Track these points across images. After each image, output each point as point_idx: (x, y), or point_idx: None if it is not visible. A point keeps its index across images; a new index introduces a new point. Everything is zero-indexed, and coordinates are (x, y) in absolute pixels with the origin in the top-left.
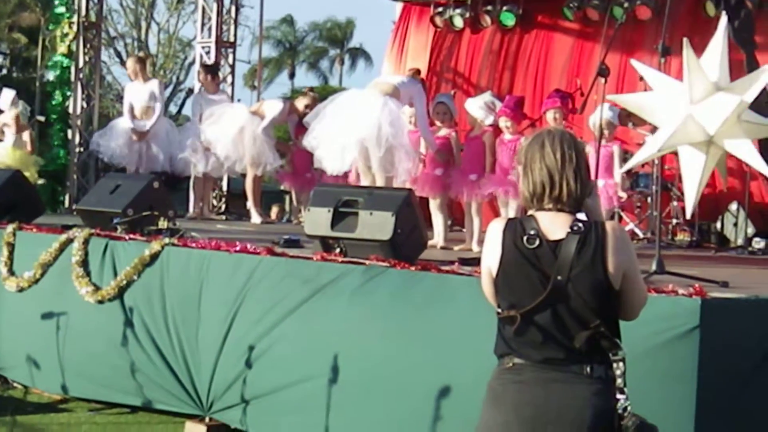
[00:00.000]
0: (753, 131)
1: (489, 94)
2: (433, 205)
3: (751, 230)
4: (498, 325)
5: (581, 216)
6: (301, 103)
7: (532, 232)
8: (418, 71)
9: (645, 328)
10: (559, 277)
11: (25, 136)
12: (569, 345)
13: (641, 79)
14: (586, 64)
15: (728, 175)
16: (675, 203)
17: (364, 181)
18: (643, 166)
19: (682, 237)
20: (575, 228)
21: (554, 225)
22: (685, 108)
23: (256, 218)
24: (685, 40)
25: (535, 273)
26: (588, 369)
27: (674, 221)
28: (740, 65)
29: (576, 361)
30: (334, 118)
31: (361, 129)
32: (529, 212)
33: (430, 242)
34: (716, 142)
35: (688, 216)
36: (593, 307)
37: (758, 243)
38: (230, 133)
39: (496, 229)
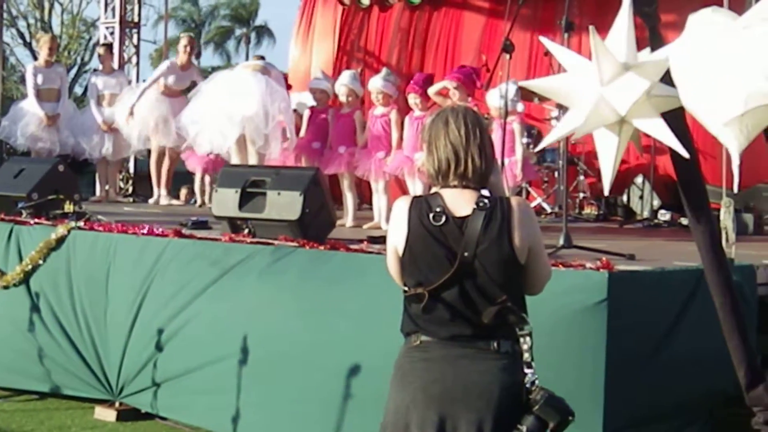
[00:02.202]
0: (662, 104)
1: (386, 69)
2: (344, 184)
3: (656, 203)
4: (404, 303)
5: (486, 192)
6: None
7: (438, 209)
8: (261, 57)
9: (553, 302)
10: (466, 254)
11: None
12: (477, 321)
13: (546, 54)
14: (496, 40)
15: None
16: (582, 177)
17: (235, 159)
18: None
19: (589, 211)
20: (481, 204)
21: (460, 202)
22: (596, 89)
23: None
24: (591, 28)
25: (441, 250)
26: (495, 344)
27: (581, 195)
28: (645, 42)
29: (483, 336)
30: (212, 97)
31: (248, 108)
32: (434, 189)
33: (339, 221)
34: (628, 121)
35: (606, 193)
36: (500, 282)
37: (664, 215)
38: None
39: (401, 208)
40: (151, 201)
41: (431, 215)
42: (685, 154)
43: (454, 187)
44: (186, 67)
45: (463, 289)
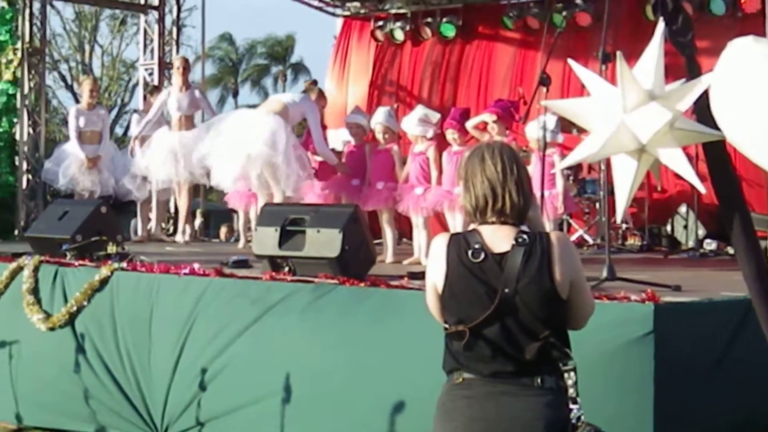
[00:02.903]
0: (685, 138)
1: (420, 108)
2: (383, 220)
3: (701, 232)
4: (445, 341)
5: (525, 228)
6: None
7: (476, 246)
8: (314, 82)
9: (598, 336)
10: (506, 290)
11: None
12: (519, 357)
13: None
14: (529, 72)
15: (676, 178)
16: None
17: (260, 198)
18: (589, 171)
19: (633, 241)
20: (520, 240)
21: (498, 238)
22: (619, 116)
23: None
24: (619, 53)
25: (481, 287)
26: (539, 380)
27: (624, 226)
28: (681, 69)
29: (526, 373)
30: (224, 136)
31: (249, 146)
32: (472, 226)
33: (378, 257)
34: (648, 151)
35: (619, 221)
36: (542, 318)
37: (709, 245)
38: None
39: (440, 245)
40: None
41: (470, 252)
42: (702, 189)
43: (492, 223)
44: (186, 89)
45: (505, 325)
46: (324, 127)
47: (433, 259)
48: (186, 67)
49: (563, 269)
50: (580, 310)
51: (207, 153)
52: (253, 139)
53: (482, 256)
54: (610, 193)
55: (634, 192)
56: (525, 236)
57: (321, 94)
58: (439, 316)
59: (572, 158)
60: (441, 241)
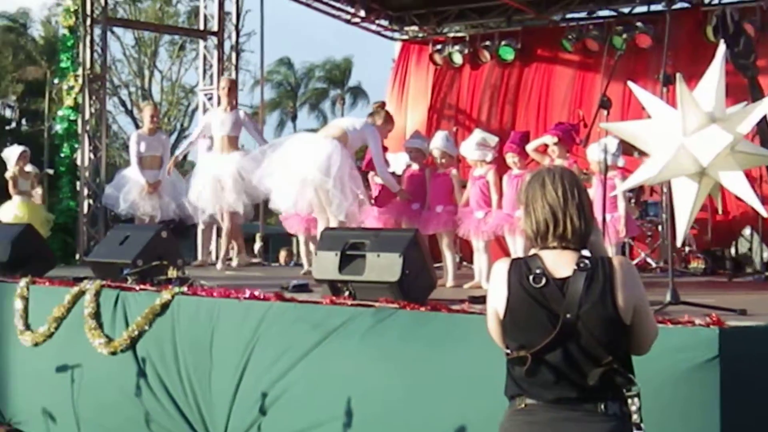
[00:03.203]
0: (746, 161)
1: (478, 132)
2: (443, 244)
3: (766, 254)
4: (507, 366)
5: (586, 253)
6: None
7: (537, 271)
8: (382, 104)
9: (662, 361)
10: (568, 315)
11: (37, 192)
12: (582, 383)
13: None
14: (588, 95)
15: (739, 199)
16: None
17: (320, 222)
18: (651, 194)
19: (696, 265)
20: (582, 265)
21: (560, 263)
22: (679, 138)
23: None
24: (679, 76)
25: (543, 312)
26: (602, 406)
27: (687, 249)
28: (744, 89)
29: (589, 399)
30: (282, 159)
31: (307, 171)
32: (533, 251)
33: (439, 281)
34: (709, 174)
35: (678, 244)
36: (604, 343)
37: None
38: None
39: (501, 270)
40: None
41: (531, 277)
42: (764, 213)
43: (554, 248)
44: (230, 109)
45: (567, 351)
46: (385, 149)
47: (495, 285)
48: (231, 88)
49: (626, 295)
50: (644, 335)
51: (265, 176)
52: (309, 164)
53: (544, 281)
54: (673, 216)
55: (695, 215)
56: (587, 261)
57: (388, 118)
58: (500, 341)
59: (632, 181)
60: (502, 266)
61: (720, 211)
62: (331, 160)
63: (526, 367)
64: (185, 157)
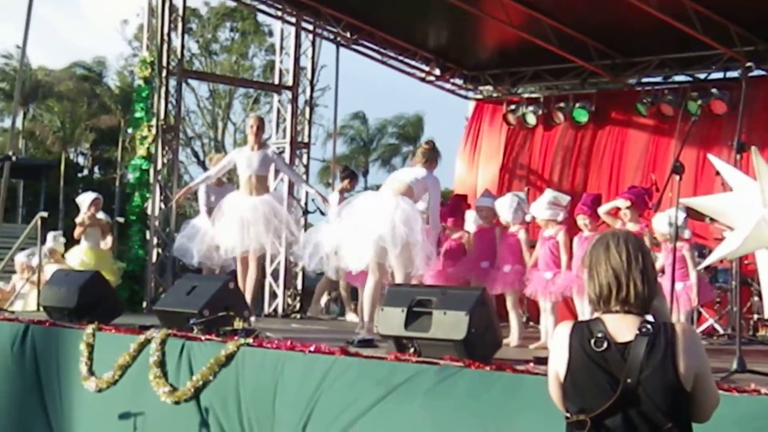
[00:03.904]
0: None
1: (549, 191)
2: (509, 303)
3: None
4: (566, 430)
5: (649, 317)
6: None
7: (599, 335)
8: (432, 146)
9: (727, 430)
10: (629, 380)
11: (107, 240)
12: None
13: (717, 174)
14: (661, 159)
15: None
16: (756, 298)
17: (371, 278)
18: (721, 261)
19: (764, 333)
20: (644, 330)
21: (622, 327)
22: (759, 211)
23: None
24: (753, 148)
25: (604, 376)
26: None
27: (755, 316)
28: None
29: None
30: (352, 218)
31: (377, 229)
32: (596, 314)
33: (504, 340)
34: None
35: (766, 316)
36: (664, 410)
37: None
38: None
39: (562, 333)
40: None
41: (593, 341)
42: None
43: (617, 312)
44: (258, 148)
45: (627, 416)
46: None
47: (556, 347)
48: (260, 127)
49: (688, 362)
50: (705, 402)
51: (338, 243)
52: (388, 223)
53: (605, 345)
54: (742, 282)
55: None
56: (649, 326)
57: (438, 156)
58: (560, 404)
59: (715, 255)
60: (564, 330)
61: None
62: (396, 223)
63: (587, 428)
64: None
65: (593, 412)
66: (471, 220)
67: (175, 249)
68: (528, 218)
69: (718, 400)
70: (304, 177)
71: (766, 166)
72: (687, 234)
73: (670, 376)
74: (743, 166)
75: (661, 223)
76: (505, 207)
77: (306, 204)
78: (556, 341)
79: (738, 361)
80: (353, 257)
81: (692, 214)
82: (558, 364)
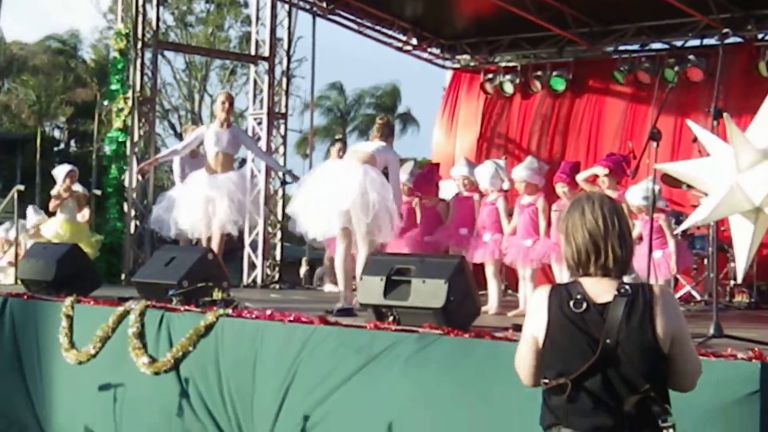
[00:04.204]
0: None
1: (529, 158)
2: (488, 271)
3: None
4: (543, 396)
5: (627, 279)
6: None
7: (578, 297)
8: (386, 120)
9: (703, 394)
10: (608, 341)
11: (85, 212)
12: (619, 411)
13: (695, 140)
14: (639, 127)
15: None
16: (732, 264)
17: (340, 246)
18: (698, 227)
19: (741, 298)
20: (622, 291)
21: (600, 289)
22: (732, 176)
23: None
24: (726, 115)
25: (583, 337)
26: None
27: (732, 283)
28: None
29: (625, 429)
30: (317, 187)
31: (347, 198)
32: (574, 278)
33: (483, 308)
34: (764, 210)
35: (739, 281)
36: (643, 370)
37: None
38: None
39: (541, 296)
40: None
41: (571, 302)
42: None
43: (595, 275)
44: (227, 126)
45: (606, 377)
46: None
47: (534, 310)
48: (231, 104)
49: (666, 323)
50: (686, 368)
51: (299, 206)
52: (357, 191)
53: (584, 306)
54: (719, 249)
55: (753, 252)
56: (627, 287)
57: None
58: (530, 372)
59: (689, 221)
60: (542, 293)
61: None
62: (367, 189)
63: (566, 394)
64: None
65: (573, 374)
66: (449, 188)
67: (152, 221)
68: (506, 186)
69: (700, 367)
70: (281, 150)
71: (739, 132)
72: (662, 204)
73: (648, 336)
74: (720, 133)
75: (635, 196)
76: (484, 174)
77: (284, 175)
78: (534, 304)
79: (715, 326)
80: (320, 225)
81: (669, 181)
82: (536, 328)
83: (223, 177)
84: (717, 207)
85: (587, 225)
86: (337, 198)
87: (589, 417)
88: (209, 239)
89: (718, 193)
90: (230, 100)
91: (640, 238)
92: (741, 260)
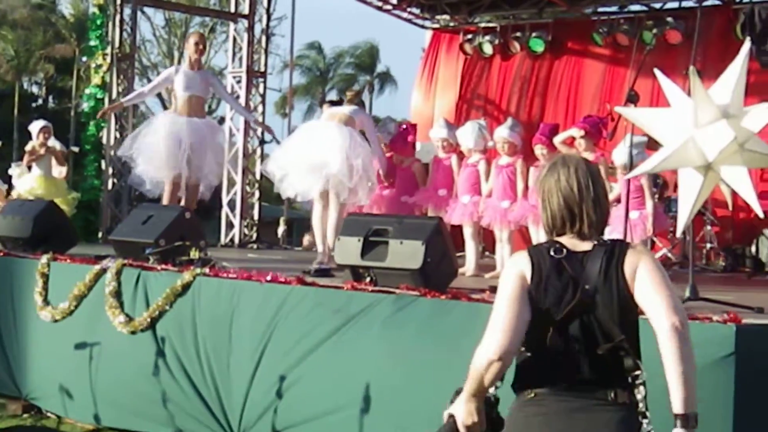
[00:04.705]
0: (755, 160)
1: (510, 120)
2: (466, 233)
3: None
4: (517, 358)
5: (603, 238)
6: None
7: (557, 246)
8: (357, 93)
9: None
10: (587, 286)
11: (62, 169)
12: (595, 363)
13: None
14: (618, 89)
15: (761, 197)
16: (709, 228)
17: (317, 206)
18: (675, 190)
19: (717, 262)
20: (601, 242)
21: (577, 244)
22: (689, 130)
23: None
24: (692, 68)
25: (564, 279)
26: (612, 395)
27: (708, 246)
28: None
29: (600, 385)
30: (299, 148)
31: (333, 163)
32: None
33: (461, 269)
34: (714, 168)
35: (678, 235)
36: (617, 320)
37: None
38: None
39: (520, 254)
40: None
41: (552, 250)
42: (761, 214)
43: (571, 237)
44: (198, 68)
45: (584, 324)
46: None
47: (515, 262)
48: (204, 45)
49: (630, 261)
50: (657, 297)
51: (278, 165)
52: (342, 156)
53: (564, 252)
54: (697, 213)
55: (697, 207)
56: (606, 239)
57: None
58: (507, 329)
59: (641, 169)
60: (520, 253)
61: (730, 207)
62: (352, 155)
63: (549, 335)
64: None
65: (554, 318)
66: (427, 149)
67: (130, 179)
68: (490, 144)
69: (679, 302)
70: (260, 109)
71: (701, 88)
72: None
73: (621, 283)
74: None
75: (622, 154)
76: (467, 134)
77: (262, 134)
78: (516, 263)
79: (691, 289)
80: (303, 186)
81: (649, 144)
82: (522, 269)
83: (199, 121)
84: (669, 157)
85: (562, 191)
86: (321, 160)
87: (564, 368)
88: (176, 187)
89: (672, 145)
90: (204, 42)
91: (618, 201)
92: (683, 214)
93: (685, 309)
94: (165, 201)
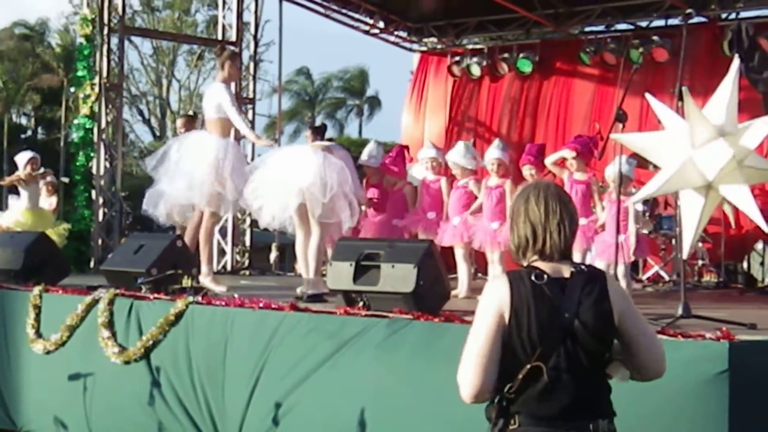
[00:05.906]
0: (754, 177)
1: (497, 141)
2: (458, 255)
3: None
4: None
5: (577, 262)
6: None
7: (537, 272)
8: (331, 139)
9: (672, 373)
10: (566, 314)
11: (52, 200)
12: (577, 392)
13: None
14: (607, 108)
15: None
16: (700, 244)
17: (299, 233)
18: (666, 207)
19: (709, 278)
20: (578, 269)
21: (556, 269)
22: (687, 151)
23: None
24: (684, 88)
25: (545, 306)
26: (592, 426)
27: (700, 262)
28: (758, 104)
29: (581, 416)
30: (273, 171)
31: (305, 178)
32: (524, 263)
33: (453, 291)
34: (715, 187)
35: (684, 257)
36: (601, 338)
37: None
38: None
39: (500, 282)
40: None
41: (533, 275)
42: (766, 228)
43: (536, 261)
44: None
45: (567, 351)
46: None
47: (494, 291)
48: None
49: (614, 298)
50: (643, 347)
51: (257, 199)
52: (315, 172)
53: (545, 278)
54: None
55: (701, 228)
56: (582, 266)
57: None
58: (482, 369)
59: (641, 194)
60: (499, 278)
61: (733, 225)
62: (326, 171)
63: (530, 364)
64: None
65: (535, 344)
66: (416, 172)
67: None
68: (481, 163)
69: (662, 351)
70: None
71: (696, 108)
72: (632, 190)
73: (606, 307)
74: (684, 113)
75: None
76: (459, 155)
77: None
78: (494, 287)
79: (683, 306)
80: (279, 205)
81: (638, 162)
82: (500, 304)
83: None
84: (669, 180)
85: (529, 213)
86: (293, 177)
87: (547, 399)
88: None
89: (671, 167)
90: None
91: (603, 228)
92: (688, 236)
93: (678, 327)
94: (191, 228)
